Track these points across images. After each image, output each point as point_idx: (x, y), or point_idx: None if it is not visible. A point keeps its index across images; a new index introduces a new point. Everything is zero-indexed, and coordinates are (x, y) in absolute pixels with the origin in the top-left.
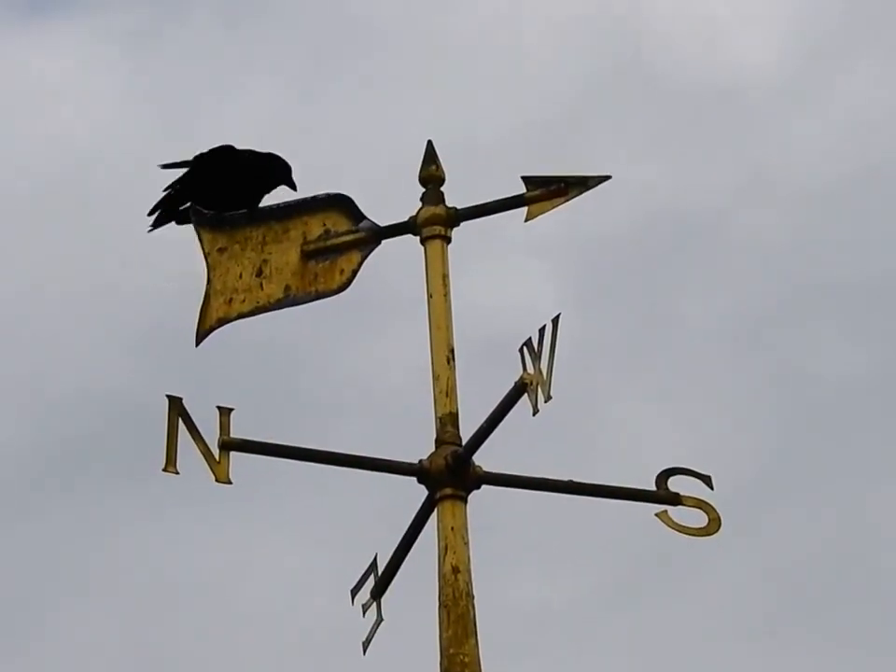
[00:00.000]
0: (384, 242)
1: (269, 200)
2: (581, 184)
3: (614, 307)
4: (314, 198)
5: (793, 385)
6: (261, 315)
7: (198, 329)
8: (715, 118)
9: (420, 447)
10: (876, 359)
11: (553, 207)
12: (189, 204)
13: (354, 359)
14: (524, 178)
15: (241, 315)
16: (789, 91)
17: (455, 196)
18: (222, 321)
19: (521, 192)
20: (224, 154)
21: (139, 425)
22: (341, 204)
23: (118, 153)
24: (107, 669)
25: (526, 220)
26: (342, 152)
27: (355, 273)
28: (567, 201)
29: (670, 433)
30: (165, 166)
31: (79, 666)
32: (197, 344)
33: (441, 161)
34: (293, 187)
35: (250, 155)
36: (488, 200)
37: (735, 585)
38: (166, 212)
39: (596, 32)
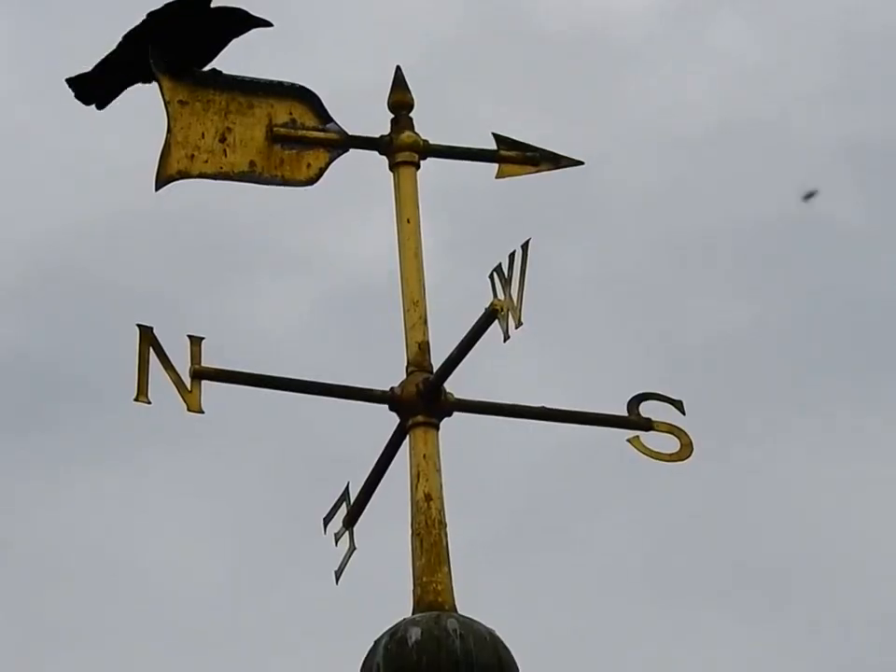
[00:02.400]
0: (351, 150)
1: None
2: (552, 161)
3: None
4: (280, 83)
5: (673, 338)
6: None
7: (158, 175)
8: (585, 62)
9: (390, 374)
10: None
11: (524, 173)
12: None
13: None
14: (494, 136)
15: (203, 175)
16: (657, 38)
17: None
18: (183, 174)
19: (493, 148)
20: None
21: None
22: (308, 99)
23: None
24: None
25: (497, 178)
26: None
27: (322, 171)
28: (538, 172)
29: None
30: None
31: None
32: (157, 189)
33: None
34: (266, 23)
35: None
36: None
37: None
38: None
39: None
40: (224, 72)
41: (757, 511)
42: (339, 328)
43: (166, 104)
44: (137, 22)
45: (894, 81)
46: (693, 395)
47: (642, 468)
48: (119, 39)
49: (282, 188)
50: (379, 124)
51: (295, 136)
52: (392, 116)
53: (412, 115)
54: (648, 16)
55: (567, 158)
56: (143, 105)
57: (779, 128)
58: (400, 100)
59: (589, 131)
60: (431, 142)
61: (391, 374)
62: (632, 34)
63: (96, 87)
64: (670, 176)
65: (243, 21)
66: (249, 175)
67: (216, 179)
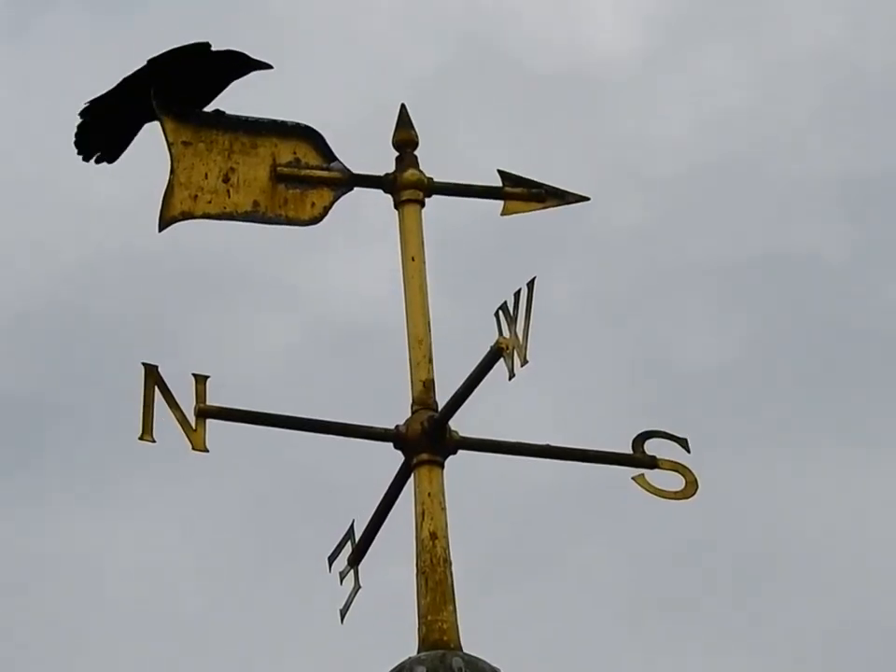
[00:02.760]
0: (356, 189)
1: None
2: (559, 197)
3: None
4: (283, 122)
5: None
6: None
7: (161, 216)
8: (572, 101)
9: (393, 411)
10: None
11: (529, 210)
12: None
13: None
14: (500, 172)
15: (207, 216)
16: (641, 76)
17: None
18: (187, 215)
19: (497, 185)
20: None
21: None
22: (312, 138)
23: None
24: None
25: (503, 215)
26: None
27: (326, 209)
28: (544, 209)
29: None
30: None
31: None
32: (160, 230)
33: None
34: (265, 66)
35: (199, 55)
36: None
37: None
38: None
39: (450, 12)
40: (226, 112)
41: (746, 541)
42: (341, 365)
43: (169, 145)
44: (139, 67)
45: (875, 118)
46: (684, 428)
47: (645, 503)
48: (119, 82)
49: (286, 227)
50: (370, 161)
51: (299, 175)
52: (397, 154)
53: (416, 153)
54: (632, 57)
55: (573, 194)
56: (145, 143)
57: (762, 165)
58: (405, 138)
59: (573, 169)
60: (436, 180)
61: (394, 411)
62: (616, 74)
63: (98, 137)
64: (655, 214)
65: (243, 64)
66: (253, 215)
67: (219, 220)
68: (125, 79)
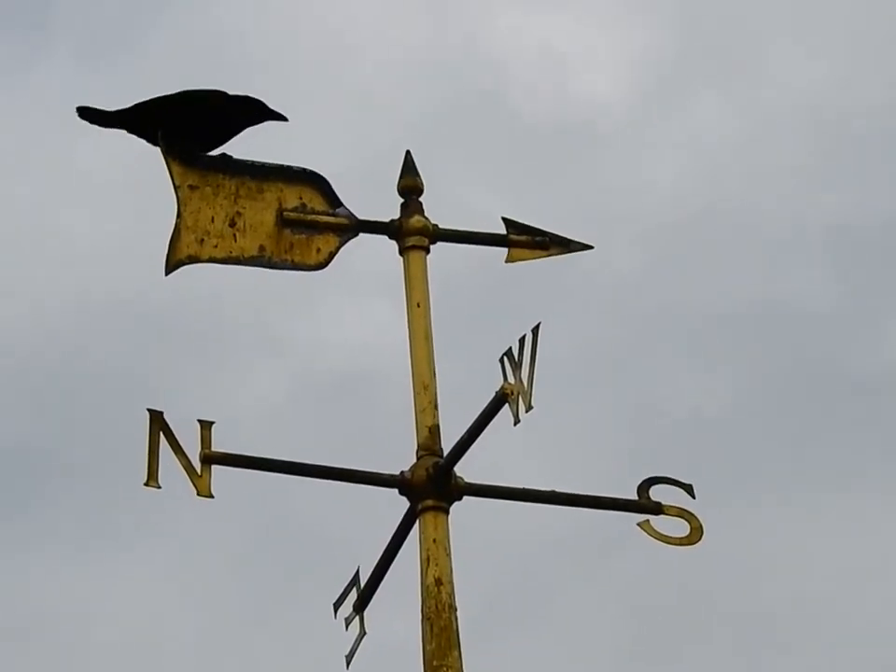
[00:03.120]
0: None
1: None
2: (563, 245)
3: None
4: (289, 168)
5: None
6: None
7: (168, 260)
8: (563, 150)
9: (400, 458)
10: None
11: (534, 258)
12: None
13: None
14: (504, 220)
15: (213, 260)
16: (632, 123)
17: None
18: (193, 259)
19: (503, 232)
20: (191, 99)
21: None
22: (318, 183)
23: None
24: None
25: (507, 262)
26: None
27: (332, 255)
28: (548, 256)
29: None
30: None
31: None
32: (167, 274)
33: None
34: (281, 117)
35: (217, 98)
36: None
37: None
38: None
39: (442, 63)
40: (233, 156)
41: (741, 589)
42: (345, 411)
43: (176, 188)
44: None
45: (863, 165)
46: (679, 473)
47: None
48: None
49: (291, 272)
50: (371, 206)
51: (305, 220)
52: (402, 200)
53: (421, 199)
54: (622, 105)
55: (577, 242)
56: (135, 189)
57: (753, 211)
58: (410, 184)
59: (562, 218)
60: (441, 226)
61: (399, 457)
62: (607, 122)
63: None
64: (646, 261)
65: (259, 112)
66: (259, 260)
67: (225, 264)
68: (137, 105)
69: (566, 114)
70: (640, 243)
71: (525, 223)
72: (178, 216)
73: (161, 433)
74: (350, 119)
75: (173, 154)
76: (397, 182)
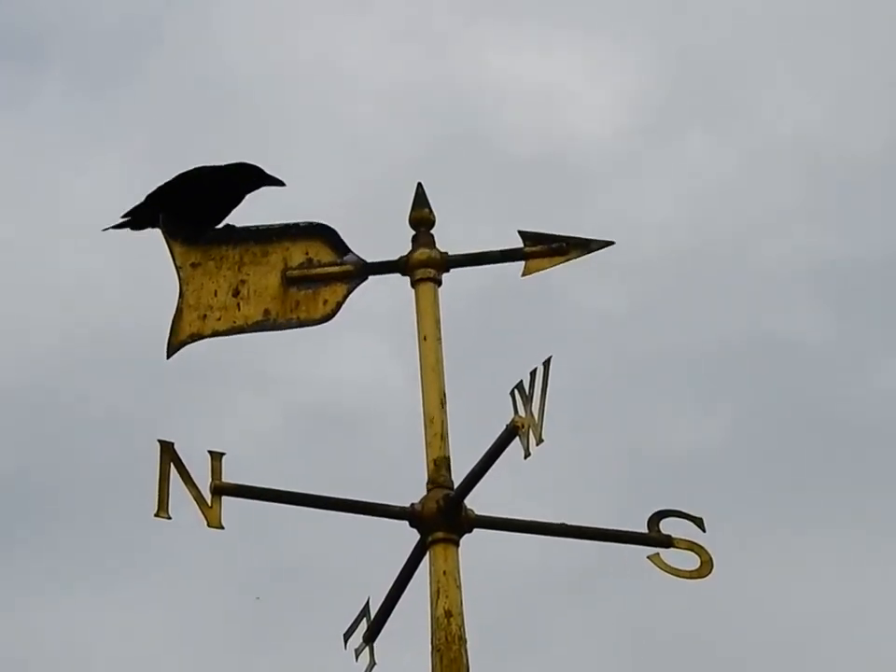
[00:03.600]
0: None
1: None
2: (583, 246)
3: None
4: (295, 225)
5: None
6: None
7: (169, 342)
8: (553, 186)
9: (411, 490)
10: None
11: (552, 266)
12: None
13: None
14: (520, 233)
15: (216, 333)
16: (623, 162)
17: None
18: (195, 336)
19: (518, 246)
20: (187, 179)
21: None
22: (324, 235)
23: None
24: None
25: (524, 275)
26: None
27: (339, 304)
28: (567, 261)
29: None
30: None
31: None
32: (168, 357)
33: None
34: (278, 182)
35: (213, 171)
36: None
37: None
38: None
39: (431, 101)
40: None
41: (735, 629)
42: (351, 441)
43: (178, 268)
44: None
45: (857, 204)
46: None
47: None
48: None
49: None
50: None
51: (310, 276)
52: (413, 233)
53: (432, 231)
54: (615, 141)
55: (596, 241)
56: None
57: (745, 249)
58: (419, 217)
59: None
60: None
61: (410, 489)
62: (598, 158)
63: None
64: (640, 297)
65: (257, 178)
66: (263, 324)
67: (229, 335)
68: (139, 205)
69: (554, 149)
70: (631, 279)
71: (541, 232)
72: (181, 296)
73: (172, 464)
74: (345, 156)
75: (174, 235)
76: (408, 215)
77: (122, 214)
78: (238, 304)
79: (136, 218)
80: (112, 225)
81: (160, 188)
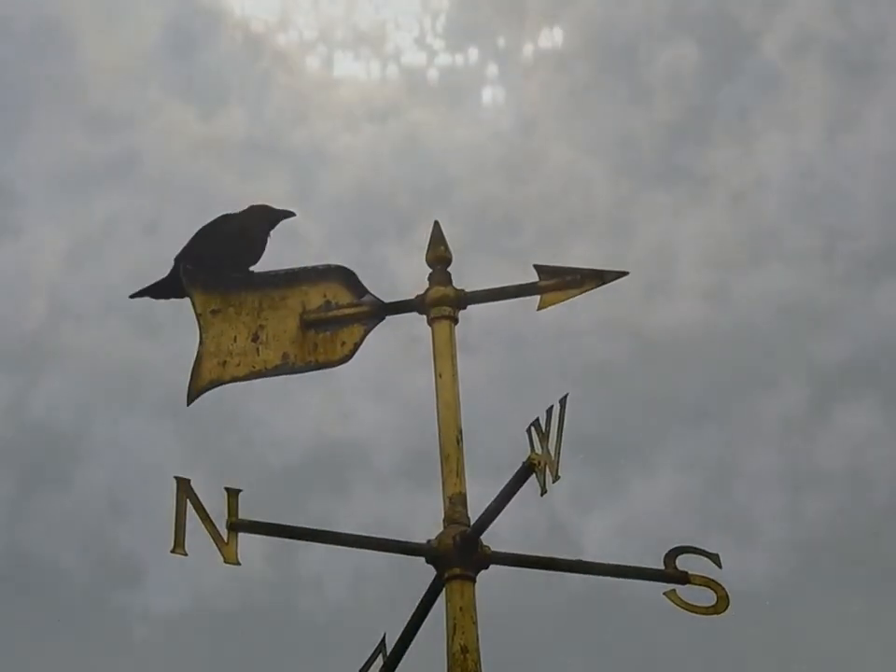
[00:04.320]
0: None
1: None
2: (598, 277)
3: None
4: (314, 268)
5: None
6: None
7: (190, 389)
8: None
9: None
10: None
11: (567, 298)
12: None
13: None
14: (536, 267)
15: (235, 379)
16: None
17: None
18: (215, 383)
19: (533, 280)
20: (205, 236)
21: None
22: (342, 277)
23: None
24: None
25: (539, 309)
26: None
27: (357, 345)
28: (582, 293)
29: None
30: (135, 295)
31: None
32: (189, 403)
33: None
34: (289, 213)
35: (226, 222)
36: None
37: None
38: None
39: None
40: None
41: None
42: (366, 475)
43: (198, 316)
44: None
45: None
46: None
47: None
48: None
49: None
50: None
51: (327, 318)
52: (430, 271)
53: (449, 269)
54: (606, 183)
55: (611, 272)
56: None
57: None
58: (435, 255)
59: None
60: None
61: (426, 525)
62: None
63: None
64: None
65: (267, 216)
66: (282, 368)
67: (248, 380)
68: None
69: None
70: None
71: (556, 265)
72: (201, 343)
73: (188, 500)
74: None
75: (194, 283)
76: (425, 254)
77: (149, 285)
78: (257, 349)
79: (161, 290)
80: (137, 292)
81: (183, 250)
